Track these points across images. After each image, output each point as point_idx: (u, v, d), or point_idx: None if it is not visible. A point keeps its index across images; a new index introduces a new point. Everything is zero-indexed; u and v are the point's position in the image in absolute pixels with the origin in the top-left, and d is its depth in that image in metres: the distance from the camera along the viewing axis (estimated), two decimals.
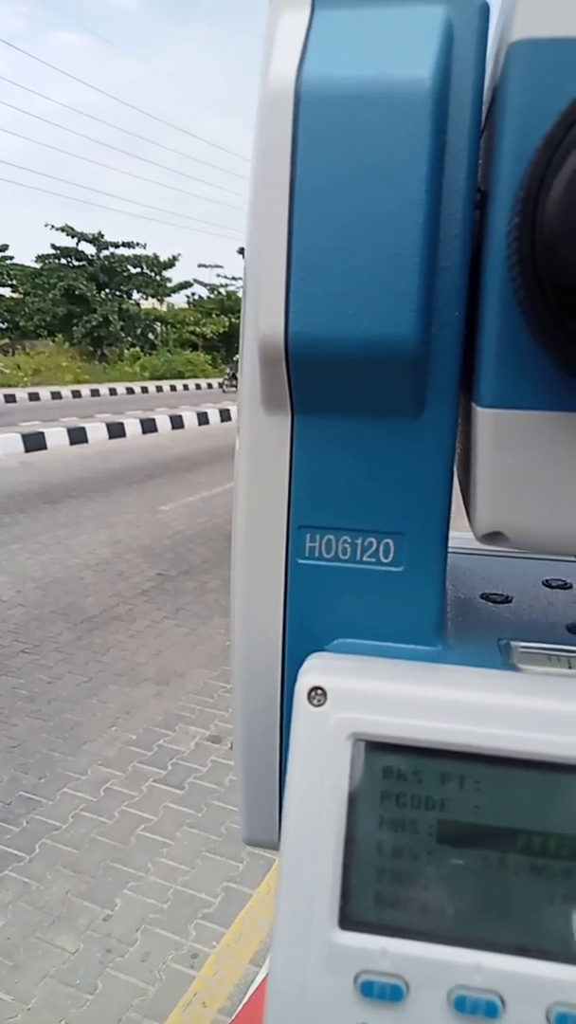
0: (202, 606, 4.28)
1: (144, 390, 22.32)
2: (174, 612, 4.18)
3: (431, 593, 0.34)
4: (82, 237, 26.04)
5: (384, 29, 0.30)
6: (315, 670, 0.31)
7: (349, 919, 0.29)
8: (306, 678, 0.31)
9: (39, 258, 26.46)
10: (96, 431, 11.16)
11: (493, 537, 0.32)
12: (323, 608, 0.35)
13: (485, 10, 0.30)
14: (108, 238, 26.71)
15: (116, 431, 11.55)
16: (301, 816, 0.29)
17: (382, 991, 0.27)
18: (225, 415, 14.43)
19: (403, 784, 0.29)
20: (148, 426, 12.23)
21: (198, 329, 29.75)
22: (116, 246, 26.88)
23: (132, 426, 11.89)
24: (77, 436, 10.77)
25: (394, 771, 0.29)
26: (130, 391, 21.76)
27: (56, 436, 10.43)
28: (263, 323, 0.31)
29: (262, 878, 2.14)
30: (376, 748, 0.29)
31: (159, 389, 22.92)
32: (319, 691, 0.30)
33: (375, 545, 0.34)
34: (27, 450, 9.85)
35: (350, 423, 0.33)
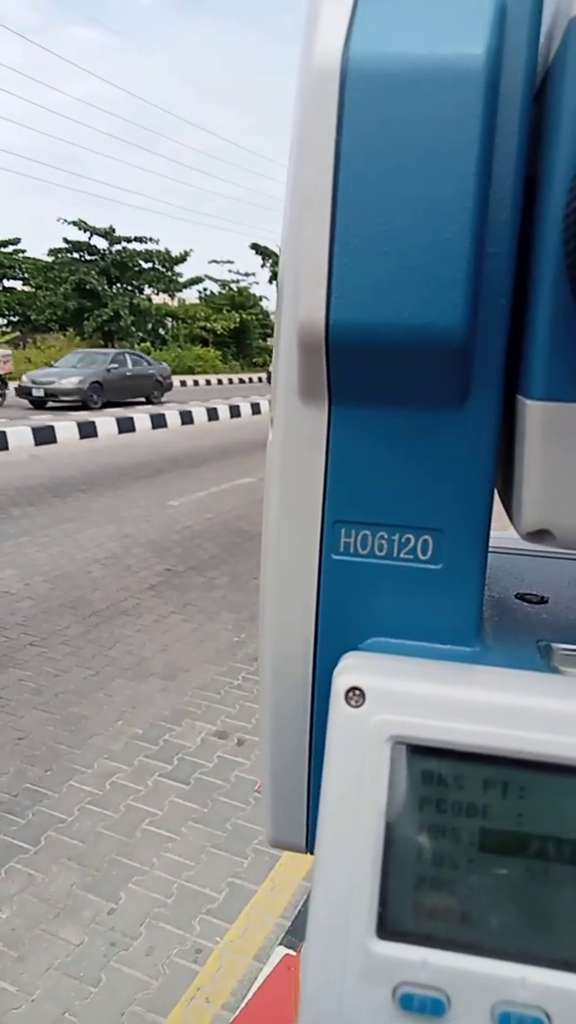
0: (209, 602, 4.28)
1: None
2: (181, 607, 4.18)
3: (470, 592, 0.33)
4: (94, 231, 26.05)
5: (434, 6, 0.28)
6: (352, 670, 0.30)
7: (388, 928, 0.28)
8: (343, 678, 0.30)
9: (51, 252, 26.50)
10: (106, 425, 11.17)
11: (539, 535, 0.31)
12: (357, 606, 0.34)
13: None
14: (120, 233, 26.73)
15: (126, 425, 11.57)
16: (337, 820, 0.28)
17: (422, 1004, 0.27)
18: (235, 411, 14.43)
19: (444, 790, 0.28)
20: (158, 421, 12.24)
21: (209, 325, 29.74)
22: (128, 241, 26.88)
23: (142, 421, 11.90)
24: (87, 430, 10.78)
25: (435, 776, 0.28)
26: None
27: (66, 430, 10.45)
28: (303, 309, 0.30)
29: (266, 875, 2.14)
30: (416, 752, 0.28)
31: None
32: (357, 691, 0.29)
33: (413, 541, 0.33)
34: (37, 443, 9.88)
35: (389, 414, 0.32)
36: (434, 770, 0.28)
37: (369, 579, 0.34)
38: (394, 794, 0.28)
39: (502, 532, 0.41)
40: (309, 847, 0.38)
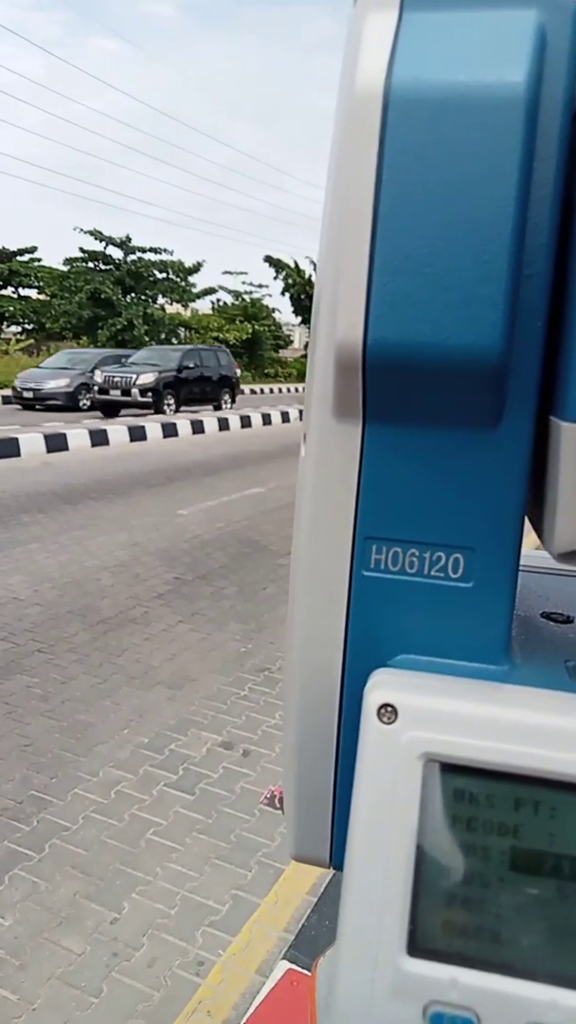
0: (218, 611, 4.28)
1: None
2: (190, 616, 4.18)
3: (500, 611, 0.33)
4: (110, 241, 26.30)
5: (475, 32, 0.29)
6: (384, 686, 0.30)
7: (418, 946, 0.28)
8: (375, 694, 0.30)
9: (67, 261, 26.75)
10: (117, 434, 11.22)
11: (572, 556, 0.31)
12: (387, 622, 0.35)
13: None
14: (136, 243, 26.96)
15: (137, 434, 11.61)
16: (368, 836, 0.29)
17: (453, 1023, 0.26)
18: (246, 421, 14.46)
19: (475, 808, 0.28)
20: (169, 430, 12.28)
21: (221, 335, 29.87)
22: (143, 251, 27.11)
23: (153, 429, 11.95)
24: (98, 438, 10.83)
25: (466, 794, 0.28)
26: None
27: (77, 438, 10.50)
28: (341, 328, 0.30)
29: (270, 887, 2.12)
30: (448, 769, 0.28)
31: None
32: (389, 708, 0.29)
33: (444, 559, 0.33)
34: (48, 451, 9.92)
35: (424, 433, 0.33)
36: (466, 788, 0.28)
37: (399, 596, 0.34)
38: (426, 811, 0.28)
39: (526, 550, 0.41)
40: (334, 862, 0.38)
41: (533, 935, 0.27)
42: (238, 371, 17.43)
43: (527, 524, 0.35)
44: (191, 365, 15.63)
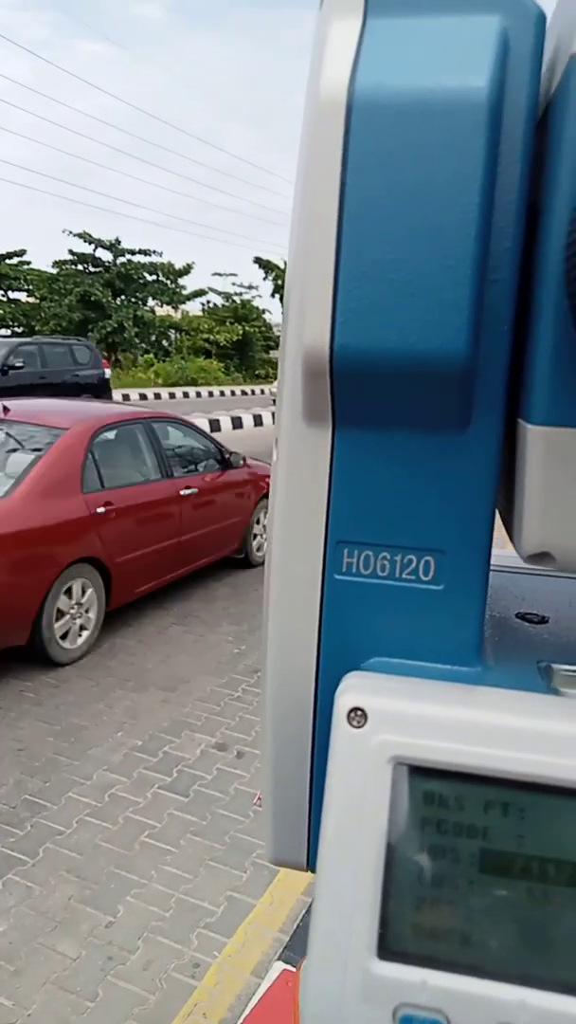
0: (210, 613, 4.28)
1: (157, 396, 22.42)
2: (182, 618, 4.18)
3: (471, 613, 0.34)
4: (99, 244, 26.22)
5: (438, 38, 0.29)
6: (354, 690, 0.31)
7: (388, 949, 0.28)
8: (345, 698, 0.30)
9: (56, 264, 26.66)
10: None
11: (540, 558, 0.31)
12: (359, 626, 0.35)
13: (541, 20, 0.30)
14: (125, 245, 26.90)
15: None
16: (338, 840, 0.29)
17: None
18: (237, 422, 14.46)
19: (445, 811, 0.28)
20: None
21: (212, 337, 29.83)
22: (132, 253, 27.04)
23: None
24: None
25: (436, 797, 0.28)
26: (143, 397, 21.85)
27: None
28: (308, 334, 0.30)
29: (265, 889, 2.12)
30: (418, 772, 0.28)
31: (172, 396, 23.02)
32: (359, 712, 0.29)
33: (415, 562, 0.34)
34: None
35: (393, 437, 0.33)
36: (435, 791, 0.28)
37: (371, 599, 0.34)
38: (395, 814, 0.28)
39: (502, 551, 0.41)
40: (310, 865, 0.38)
41: (502, 937, 0.27)
42: (107, 371, 12.73)
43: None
44: (19, 364, 10.70)
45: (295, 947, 1.89)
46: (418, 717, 0.29)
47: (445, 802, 0.28)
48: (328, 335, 0.30)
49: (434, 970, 0.27)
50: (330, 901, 0.28)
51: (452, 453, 0.32)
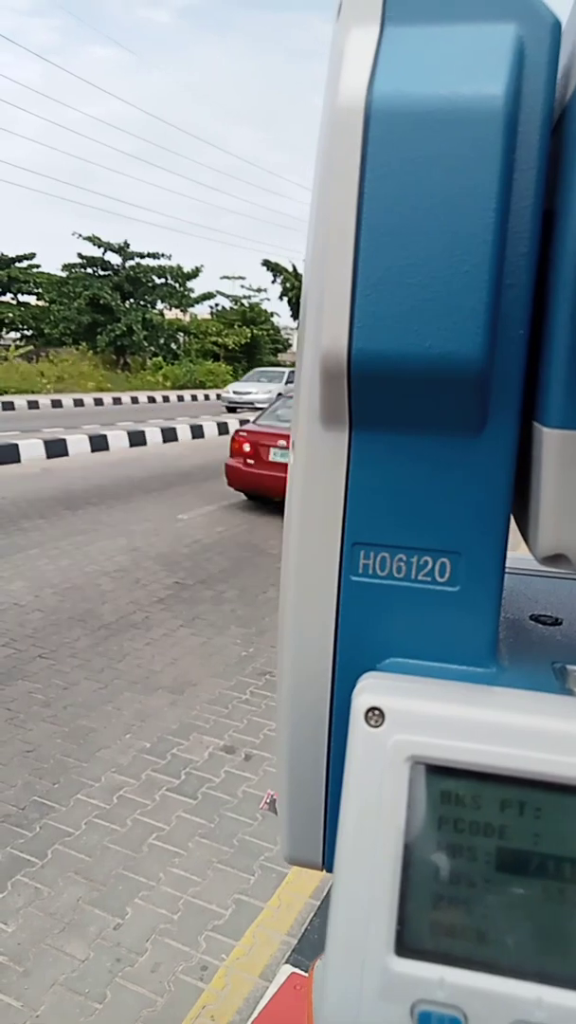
0: (218, 615, 4.28)
1: (166, 399, 22.49)
2: (190, 621, 4.18)
3: (487, 614, 0.34)
4: (108, 247, 26.33)
5: (455, 46, 0.29)
6: (372, 690, 0.31)
7: (406, 946, 0.28)
8: (363, 698, 0.30)
9: (65, 267, 26.78)
10: (117, 439, 11.23)
11: (555, 559, 0.32)
12: (375, 626, 0.35)
13: (557, 28, 0.30)
14: (134, 248, 27.00)
15: (137, 439, 11.61)
16: (356, 839, 0.29)
17: (440, 1022, 0.27)
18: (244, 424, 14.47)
19: (461, 809, 0.28)
20: (169, 435, 12.29)
21: (220, 340, 29.90)
22: (141, 256, 27.14)
23: (153, 435, 11.95)
24: (98, 444, 10.84)
25: (453, 796, 0.28)
26: (152, 400, 21.93)
27: (78, 443, 10.51)
28: (326, 338, 0.31)
29: (273, 891, 2.12)
30: (435, 772, 0.29)
31: (180, 399, 23.07)
32: (376, 712, 0.30)
33: (431, 564, 0.34)
34: (49, 456, 9.93)
35: (409, 440, 0.33)
36: (452, 790, 0.28)
37: (387, 600, 0.35)
38: (413, 813, 0.29)
39: (515, 553, 0.42)
40: (325, 864, 0.38)
41: (519, 934, 0.27)
42: None
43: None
44: None
45: (303, 950, 1.88)
46: (435, 717, 0.30)
47: (462, 801, 0.28)
48: (346, 339, 0.30)
49: (451, 967, 0.28)
50: (348, 899, 0.29)
51: (468, 456, 0.33)
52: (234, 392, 19.32)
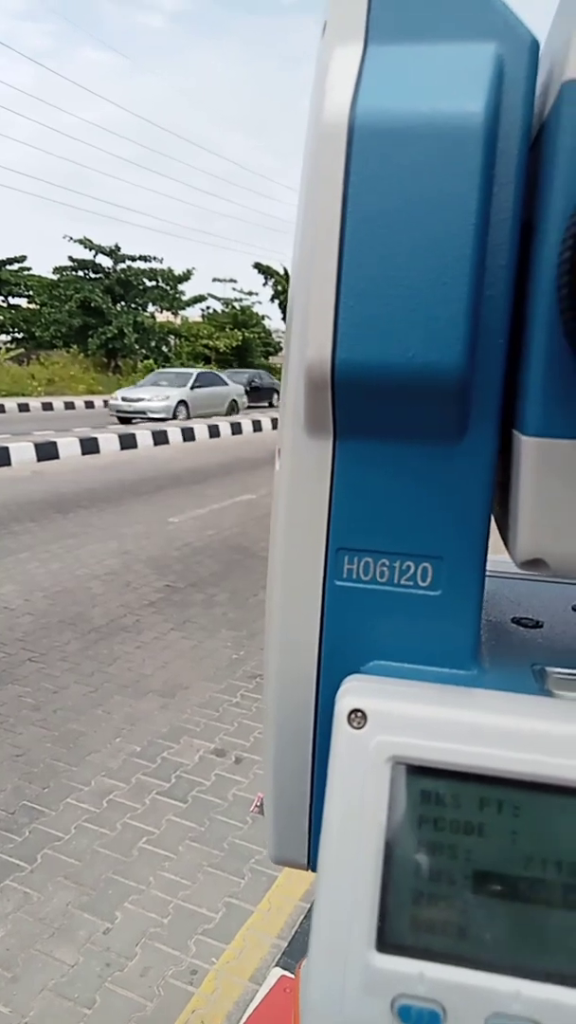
0: (209, 619, 4.28)
1: None
2: (181, 624, 4.18)
3: (468, 617, 0.35)
4: (99, 250, 26.29)
5: (436, 65, 0.30)
6: (355, 692, 0.32)
7: (387, 942, 0.29)
8: (346, 700, 0.31)
9: (56, 270, 26.72)
10: (108, 442, 11.21)
11: (533, 564, 0.32)
12: (359, 630, 0.36)
13: (535, 48, 0.31)
14: (125, 251, 26.97)
15: (128, 442, 11.60)
16: (339, 838, 0.30)
17: (419, 1016, 0.28)
18: (236, 428, 14.48)
19: (441, 808, 0.29)
20: (160, 438, 12.27)
21: (211, 343, 29.89)
22: (132, 259, 27.12)
23: (144, 437, 11.94)
24: (89, 446, 10.82)
25: (433, 795, 0.29)
26: None
27: (68, 446, 10.48)
28: (311, 349, 0.31)
29: (263, 895, 2.12)
30: (415, 772, 0.29)
31: None
32: (359, 713, 0.30)
33: (413, 569, 0.35)
34: (39, 459, 9.90)
35: (392, 447, 0.34)
36: (432, 789, 0.29)
37: (371, 604, 0.35)
38: (394, 812, 0.29)
39: (498, 556, 0.42)
40: (311, 864, 0.39)
41: (497, 930, 0.28)
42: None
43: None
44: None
45: (293, 953, 1.89)
46: (416, 718, 0.30)
47: (442, 800, 0.29)
48: (330, 350, 0.31)
49: (431, 962, 0.28)
50: (331, 896, 0.29)
51: (449, 462, 0.33)
52: (123, 399, 15.84)
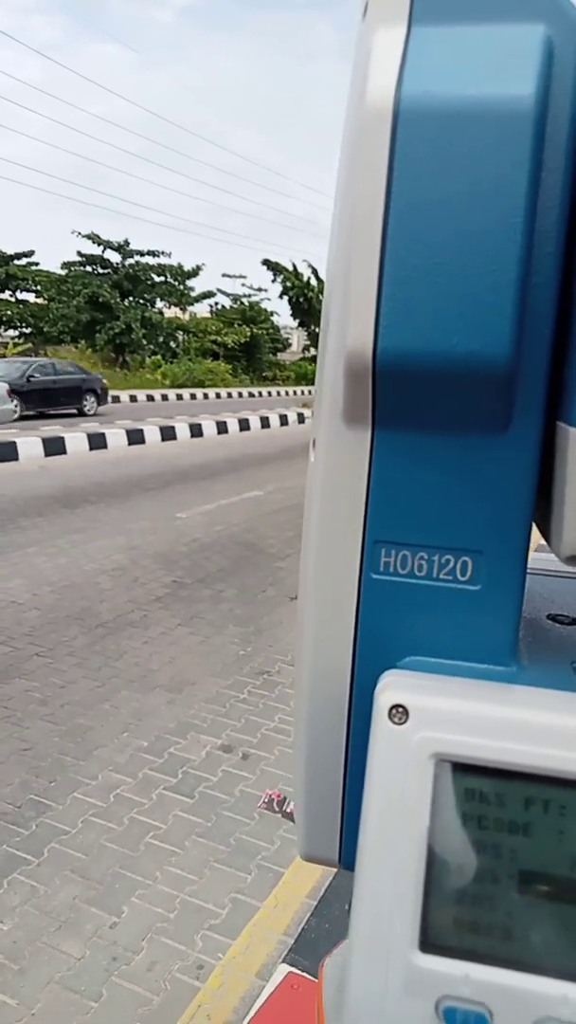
0: (217, 615, 4.28)
1: (164, 398, 22.47)
2: (188, 620, 4.18)
3: (508, 613, 0.34)
4: (108, 245, 26.31)
5: (483, 46, 0.29)
6: (395, 687, 0.31)
7: (430, 942, 0.28)
8: (386, 695, 0.31)
9: (65, 265, 26.76)
10: (116, 437, 11.23)
11: None
12: (396, 625, 0.35)
13: None
14: (134, 247, 26.98)
15: (136, 438, 11.61)
16: (380, 835, 0.29)
17: (465, 1018, 0.27)
18: (244, 424, 14.48)
19: (486, 807, 0.28)
20: (167, 434, 12.29)
21: (219, 338, 29.89)
22: (141, 255, 27.13)
23: (152, 433, 11.95)
24: (97, 442, 10.83)
25: (477, 793, 0.28)
26: (150, 398, 21.92)
27: (76, 441, 10.50)
28: (351, 337, 0.31)
29: (270, 891, 2.12)
30: (459, 769, 0.29)
31: (179, 397, 23.06)
32: (400, 709, 0.30)
33: (452, 563, 0.34)
34: (47, 454, 9.92)
35: (433, 438, 0.33)
36: (476, 787, 0.29)
37: (408, 599, 0.35)
38: (436, 810, 0.29)
39: (531, 552, 0.42)
40: (343, 862, 0.38)
41: (543, 931, 0.28)
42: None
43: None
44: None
45: (300, 950, 1.88)
46: (459, 714, 0.30)
47: (486, 798, 0.28)
48: (372, 338, 0.30)
49: (476, 963, 0.28)
50: (372, 894, 0.29)
51: (491, 454, 0.33)
52: None
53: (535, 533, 0.36)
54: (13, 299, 26.90)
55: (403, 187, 0.29)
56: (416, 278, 0.30)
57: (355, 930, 0.29)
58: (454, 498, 0.33)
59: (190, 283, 28.78)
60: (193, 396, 23.73)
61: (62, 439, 10.27)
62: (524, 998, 0.27)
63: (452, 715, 0.30)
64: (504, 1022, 0.27)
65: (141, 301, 27.47)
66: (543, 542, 0.37)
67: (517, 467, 0.33)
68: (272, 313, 33.19)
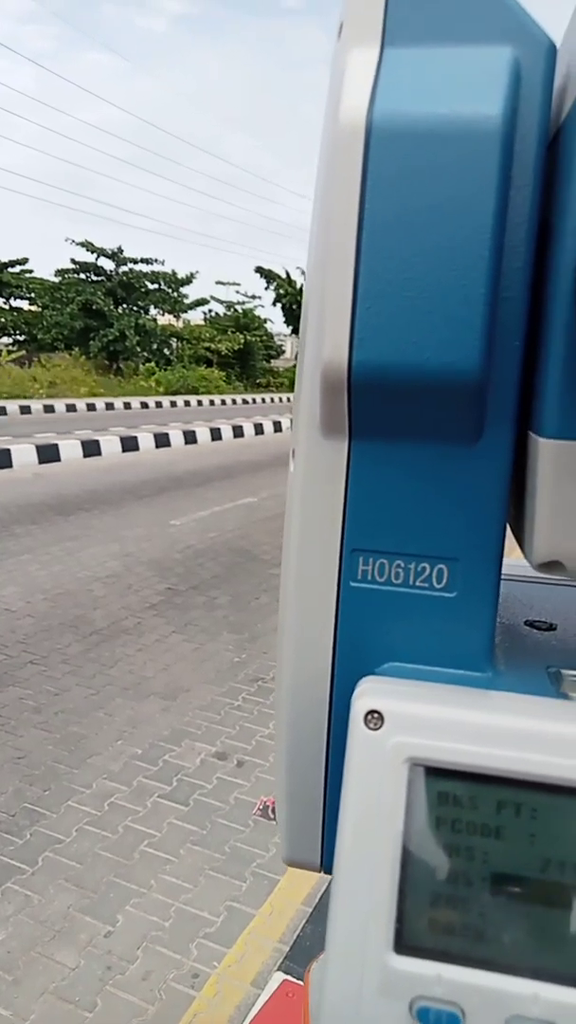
0: (211, 621, 4.28)
1: (158, 405, 22.46)
2: (182, 627, 4.18)
3: (483, 619, 0.35)
4: (101, 252, 26.33)
5: (453, 67, 0.30)
6: (372, 693, 0.32)
7: (404, 944, 0.29)
8: (363, 701, 0.31)
9: (58, 272, 26.76)
10: (110, 444, 11.22)
11: (550, 566, 0.32)
12: (374, 632, 0.36)
13: (552, 51, 0.31)
14: (127, 254, 27.00)
15: (130, 445, 11.61)
16: (355, 838, 0.30)
17: (438, 1018, 0.27)
18: (238, 431, 14.49)
19: (459, 810, 0.29)
20: (161, 440, 12.28)
21: (213, 346, 29.91)
22: (135, 262, 27.15)
23: (146, 440, 11.95)
24: (91, 449, 10.82)
25: (450, 797, 0.29)
26: (144, 405, 21.90)
27: (70, 448, 10.49)
28: (327, 350, 0.31)
29: (265, 899, 2.12)
30: (433, 773, 0.29)
31: (173, 404, 23.06)
32: (376, 714, 0.30)
33: (428, 570, 0.35)
34: (41, 462, 9.91)
35: (408, 448, 0.34)
36: (450, 791, 0.29)
37: (385, 606, 0.35)
38: (411, 814, 0.29)
39: (510, 559, 0.42)
40: (324, 866, 0.39)
41: (515, 932, 0.28)
42: None
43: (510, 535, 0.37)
44: None
45: (295, 957, 1.88)
46: (433, 720, 0.30)
47: (459, 802, 0.29)
48: (346, 351, 0.31)
49: (449, 964, 0.28)
50: (348, 897, 0.29)
51: (464, 464, 0.33)
52: None
53: (510, 540, 0.37)
54: (7, 306, 26.88)
55: (376, 203, 0.30)
56: (389, 292, 0.30)
57: (332, 933, 0.29)
58: (429, 507, 0.34)
59: (184, 290, 28.82)
60: (187, 403, 23.73)
61: (56, 446, 10.26)
62: (496, 997, 0.27)
63: (426, 720, 0.30)
64: (476, 1021, 0.27)
65: (135, 308, 27.48)
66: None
67: (490, 476, 0.33)
68: (265, 320, 33.24)
